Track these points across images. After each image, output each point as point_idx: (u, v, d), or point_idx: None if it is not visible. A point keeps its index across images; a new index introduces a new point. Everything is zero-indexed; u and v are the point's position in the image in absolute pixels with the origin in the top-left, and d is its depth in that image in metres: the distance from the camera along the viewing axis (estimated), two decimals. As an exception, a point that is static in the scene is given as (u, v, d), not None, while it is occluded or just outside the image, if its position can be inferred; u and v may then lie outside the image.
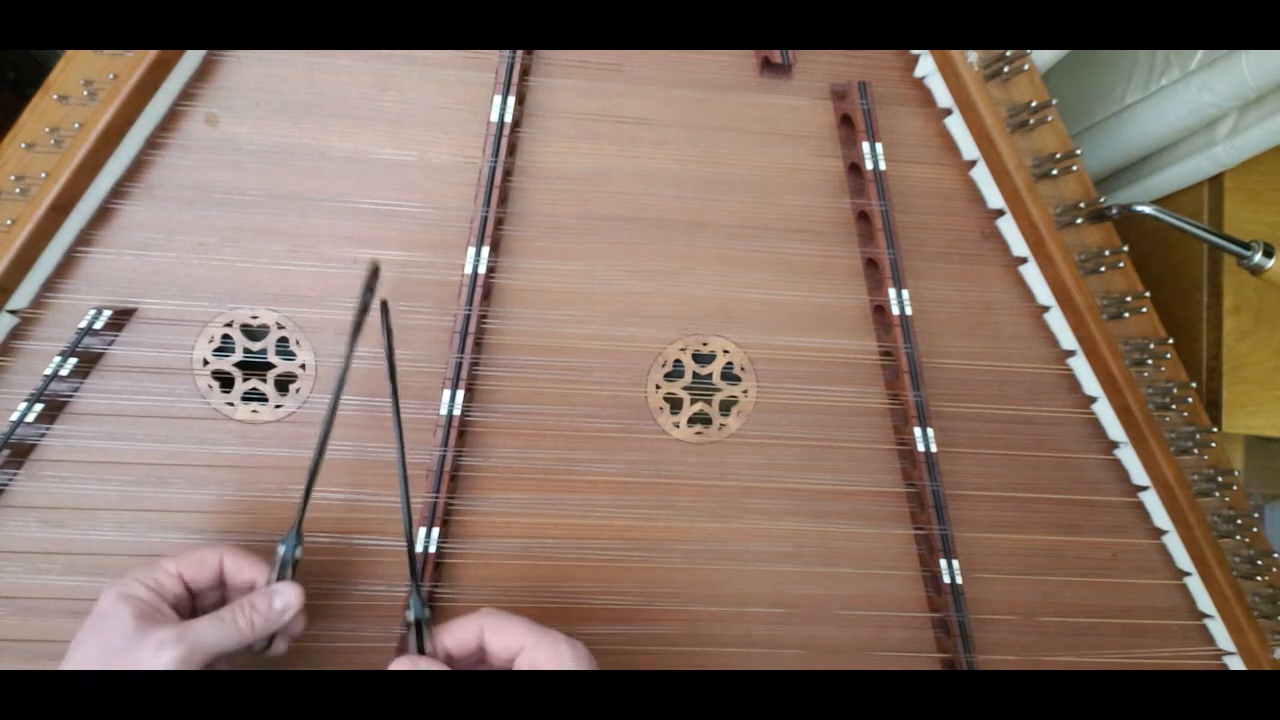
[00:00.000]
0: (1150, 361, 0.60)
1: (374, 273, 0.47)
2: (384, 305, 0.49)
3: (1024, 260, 0.61)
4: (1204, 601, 0.63)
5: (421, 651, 0.47)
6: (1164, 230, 0.60)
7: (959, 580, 0.60)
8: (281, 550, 0.49)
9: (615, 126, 0.60)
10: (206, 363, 0.57)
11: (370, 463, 0.58)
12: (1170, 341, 0.59)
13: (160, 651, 0.43)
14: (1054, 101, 0.57)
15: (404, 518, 0.49)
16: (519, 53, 0.57)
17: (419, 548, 0.56)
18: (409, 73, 0.58)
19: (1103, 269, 0.59)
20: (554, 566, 0.59)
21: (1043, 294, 0.62)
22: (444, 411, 0.56)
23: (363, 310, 0.47)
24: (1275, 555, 0.61)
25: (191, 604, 0.49)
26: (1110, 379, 0.60)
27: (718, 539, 0.61)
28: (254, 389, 0.57)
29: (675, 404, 0.60)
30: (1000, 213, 0.61)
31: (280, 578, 0.49)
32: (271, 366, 0.57)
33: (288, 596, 0.48)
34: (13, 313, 0.55)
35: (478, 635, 0.46)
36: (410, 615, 0.47)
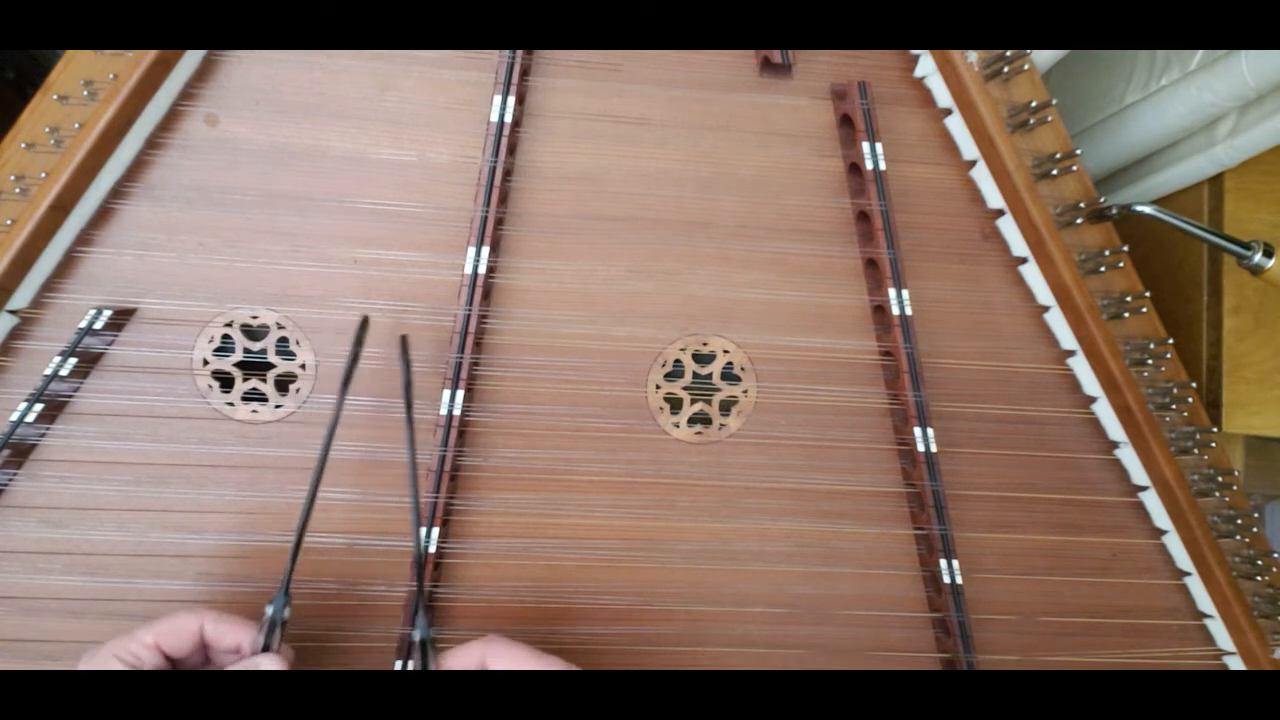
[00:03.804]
0: (1150, 361, 0.60)
1: (363, 325, 0.47)
2: (403, 340, 0.49)
3: (1024, 260, 0.61)
4: (1204, 601, 0.63)
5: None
6: (1164, 230, 0.60)
7: (959, 580, 0.60)
8: (269, 611, 0.46)
9: (615, 126, 0.60)
10: (206, 363, 0.57)
11: (373, 463, 0.58)
12: (1170, 341, 0.59)
13: None
14: (1054, 101, 0.57)
15: (415, 544, 0.48)
16: (519, 53, 0.57)
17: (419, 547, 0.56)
18: (409, 73, 0.58)
19: (1103, 269, 0.59)
20: (554, 566, 0.59)
21: (1043, 294, 0.62)
22: (444, 411, 0.56)
23: (353, 361, 0.48)
24: (1275, 555, 0.61)
25: (171, 668, 0.46)
26: (1110, 379, 0.60)
27: (718, 539, 0.61)
28: (254, 389, 0.57)
29: (675, 404, 0.60)
30: (1000, 213, 0.61)
31: (268, 640, 0.46)
32: (271, 366, 0.57)
33: (268, 669, 0.45)
34: (13, 313, 0.55)
35: (480, 660, 0.46)
36: (416, 635, 0.47)
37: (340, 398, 0.48)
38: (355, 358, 0.48)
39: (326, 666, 0.57)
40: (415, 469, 0.49)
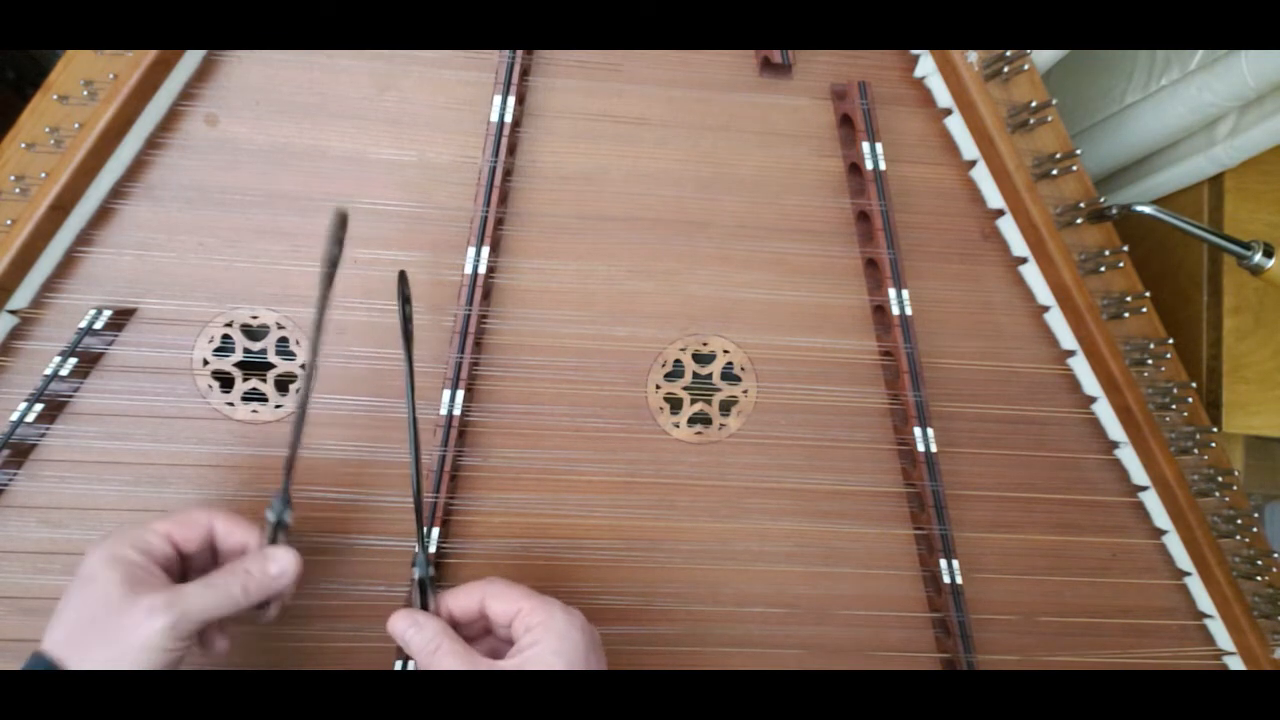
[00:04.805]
0: (1150, 361, 0.60)
1: (341, 222, 0.47)
2: (401, 276, 0.50)
3: (1024, 260, 0.61)
4: (1204, 601, 0.63)
5: (425, 609, 0.47)
6: (1164, 230, 0.60)
7: (959, 580, 0.60)
8: (269, 515, 0.48)
9: (615, 126, 0.60)
10: (206, 363, 0.57)
11: (370, 463, 0.58)
12: (1170, 341, 0.59)
13: (150, 618, 0.41)
14: (1054, 101, 0.57)
15: (413, 474, 0.48)
16: (519, 53, 0.57)
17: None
18: (409, 73, 0.58)
19: (1103, 269, 0.59)
20: (554, 566, 0.59)
21: (1043, 294, 0.62)
22: (444, 411, 0.56)
23: (331, 263, 0.47)
24: (1275, 555, 0.61)
25: (181, 566, 0.47)
26: (1110, 379, 0.60)
27: (718, 539, 0.61)
28: (254, 389, 0.57)
29: (675, 404, 0.60)
30: (1000, 213, 0.61)
31: (272, 542, 0.47)
32: (271, 366, 0.57)
33: (283, 561, 0.46)
34: (13, 313, 0.55)
35: (479, 601, 0.47)
36: (416, 574, 0.48)
37: (322, 299, 0.47)
38: (334, 259, 0.47)
39: (326, 666, 0.57)
40: (414, 408, 0.49)
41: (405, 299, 0.49)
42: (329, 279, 0.47)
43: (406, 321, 0.49)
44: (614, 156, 0.60)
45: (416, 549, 0.49)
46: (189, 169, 0.57)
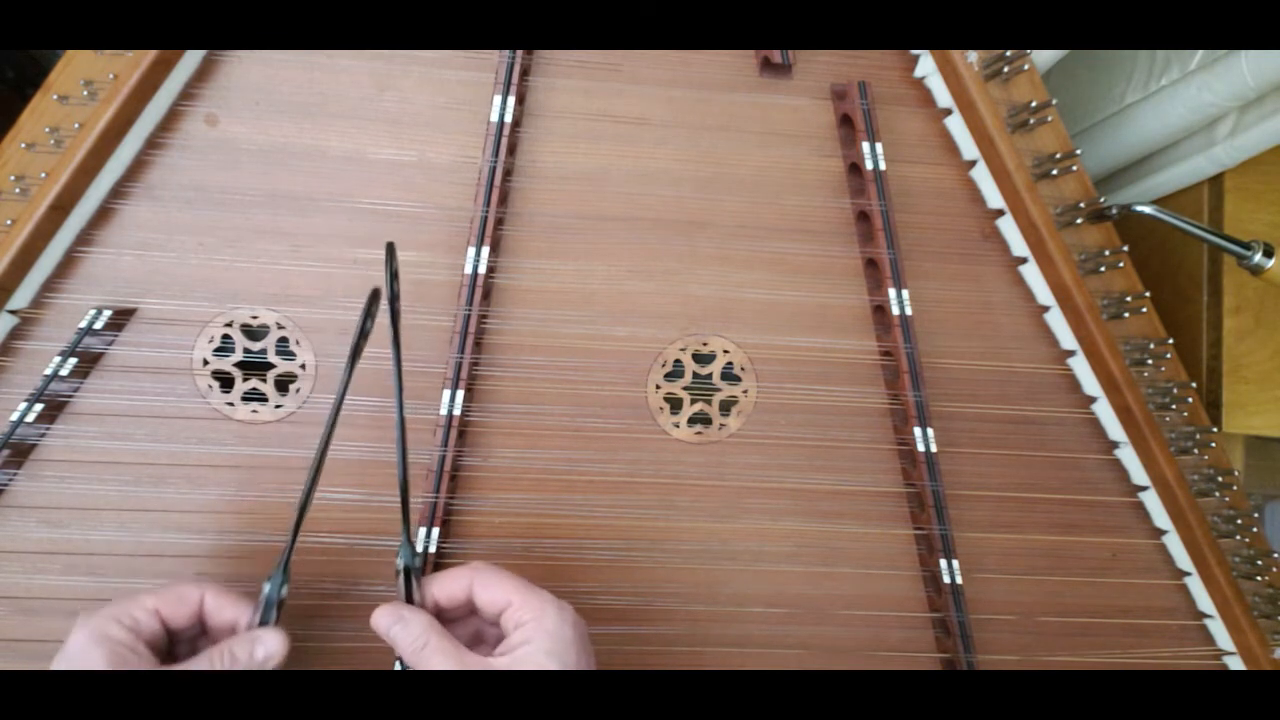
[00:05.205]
0: (1150, 361, 0.60)
1: (374, 297, 0.46)
2: (389, 247, 0.47)
3: (1024, 260, 0.61)
4: (1204, 601, 0.63)
5: (410, 601, 0.46)
6: (1164, 230, 0.60)
7: (959, 580, 0.60)
8: (267, 588, 0.46)
9: (615, 126, 0.60)
10: (206, 363, 0.57)
11: (372, 463, 0.58)
12: (1170, 341, 0.59)
13: None
14: (1054, 101, 0.57)
15: (399, 460, 0.46)
16: (519, 53, 0.57)
17: (419, 547, 0.56)
18: (409, 73, 0.58)
19: (1103, 269, 0.59)
20: (554, 566, 0.59)
21: (1043, 294, 0.62)
22: (444, 411, 0.56)
23: (362, 336, 0.46)
24: (1275, 555, 0.62)
25: (169, 641, 0.46)
26: (1110, 379, 0.60)
27: (718, 539, 0.61)
28: (254, 389, 0.57)
29: (675, 404, 0.60)
30: (1000, 213, 0.62)
31: (265, 619, 0.46)
32: (271, 366, 0.57)
33: (270, 645, 0.45)
34: (13, 313, 0.55)
35: (467, 589, 0.46)
36: (399, 563, 0.46)
37: (346, 376, 0.46)
38: (365, 332, 0.46)
39: (327, 666, 0.57)
40: (401, 383, 0.47)
41: (393, 275, 0.47)
42: (356, 353, 0.46)
43: (394, 299, 0.47)
44: (614, 156, 0.60)
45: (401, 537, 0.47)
46: (189, 169, 0.57)
